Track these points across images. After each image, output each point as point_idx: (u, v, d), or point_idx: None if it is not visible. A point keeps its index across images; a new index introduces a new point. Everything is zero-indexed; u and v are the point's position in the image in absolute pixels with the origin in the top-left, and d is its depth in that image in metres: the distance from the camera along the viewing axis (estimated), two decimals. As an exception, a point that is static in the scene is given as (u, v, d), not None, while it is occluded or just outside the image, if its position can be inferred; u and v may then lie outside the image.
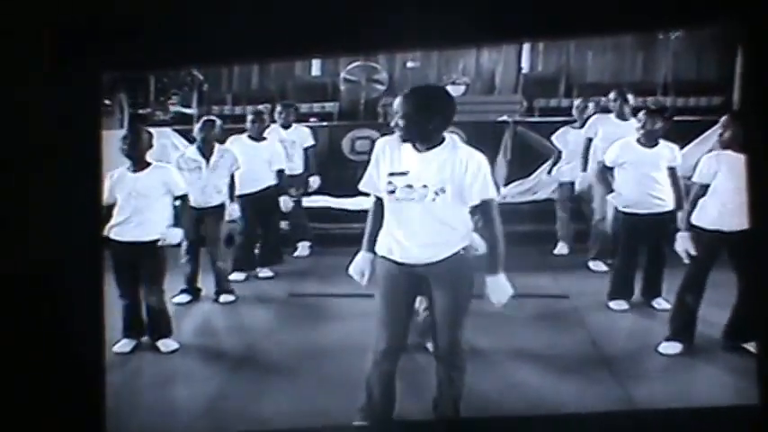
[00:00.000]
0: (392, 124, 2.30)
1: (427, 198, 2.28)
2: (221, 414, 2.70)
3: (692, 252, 3.12)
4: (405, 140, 2.31)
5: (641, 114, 3.69)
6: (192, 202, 3.92)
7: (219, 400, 2.81)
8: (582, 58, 7.15)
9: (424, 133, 2.27)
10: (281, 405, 2.72)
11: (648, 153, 3.64)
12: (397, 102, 2.27)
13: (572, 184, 4.77)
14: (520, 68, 7.25)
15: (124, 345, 3.30)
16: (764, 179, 1.53)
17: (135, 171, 3.28)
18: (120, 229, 3.25)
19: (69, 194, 1.60)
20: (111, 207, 3.26)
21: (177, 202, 3.42)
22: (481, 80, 7.33)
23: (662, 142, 3.66)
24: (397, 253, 2.34)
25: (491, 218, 2.33)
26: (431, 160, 2.29)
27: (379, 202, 2.41)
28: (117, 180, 3.26)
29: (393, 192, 2.31)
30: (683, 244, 3.14)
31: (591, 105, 4.90)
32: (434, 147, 2.30)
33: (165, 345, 3.31)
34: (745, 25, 1.44)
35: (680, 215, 3.38)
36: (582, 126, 4.75)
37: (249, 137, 4.45)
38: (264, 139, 4.51)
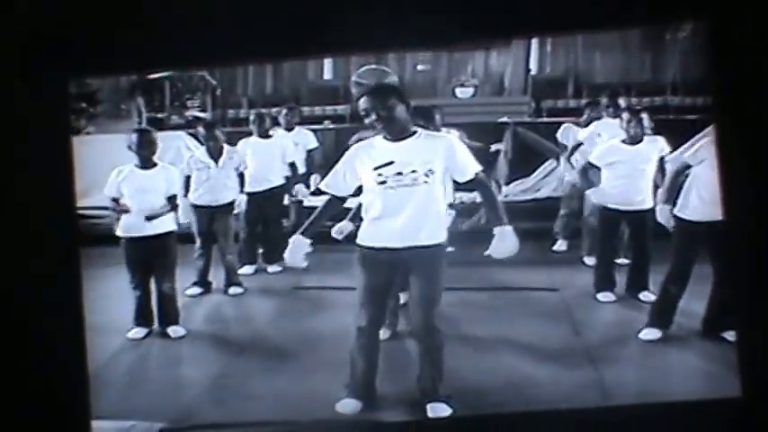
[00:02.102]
0: (367, 123, 2.55)
1: (419, 180, 2.55)
2: (228, 391, 3.02)
3: (672, 223, 3.30)
4: (385, 135, 2.57)
5: (624, 115, 3.94)
6: (203, 201, 4.35)
7: (225, 378, 3.14)
8: (590, 59, 7.38)
9: (398, 123, 2.54)
10: (282, 384, 3.03)
11: (635, 150, 3.89)
12: (363, 103, 2.54)
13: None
14: (528, 70, 7.50)
15: (137, 332, 3.64)
16: (736, 177, 1.59)
17: (143, 169, 3.64)
18: (131, 225, 3.61)
19: (40, 205, 1.60)
20: (116, 200, 3.61)
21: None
22: (490, 82, 7.62)
23: (646, 138, 3.92)
24: (384, 239, 2.60)
25: (487, 183, 2.69)
26: (411, 147, 2.56)
27: (335, 201, 2.67)
28: (126, 177, 3.62)
29: (384, 182, 2.56)
30: (663, 215, 3.33)
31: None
32: (408, 137, 2.58)
33: (175, 331, 3.67)
34: (711, 25, 1.49)
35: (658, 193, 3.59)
36: (586, 125, 4.96)
37: (258, 136, 4.83)
38: (270, 136, 4.87)
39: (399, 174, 2.55)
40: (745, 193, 1.50)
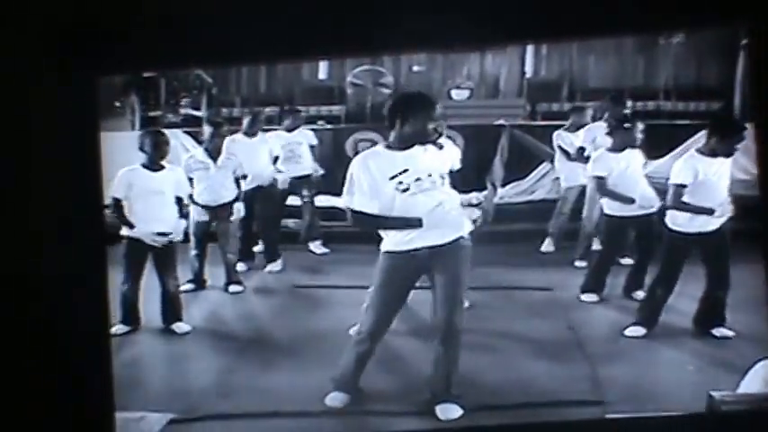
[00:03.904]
0: (432, 129, 2.72)
1: (437, 183, 2.73)
2: (232, 385, 3.18)
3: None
4: (391, 144, 2.74)
5: (626, 125, 4.09)
6: (202, 200, 4.43)
7: (229, 373, 3.30)
8: (584, 63, 7.56)
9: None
10: (282, 378, 3.18)
11: (621, 157, 4.04)
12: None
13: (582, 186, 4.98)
14: (523, 73, 7.67)
15: (120, 329, 3.69)
16: None
17: (153, 170, 3.76)
18: (142, 226, 3.71)
19: (69, 198, 1.67)
20: (118, 201, 3.69)
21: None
22: (485, 84, 7.76)
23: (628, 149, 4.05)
24: (412, 241, 2.72)
25: None
26: (418, 155, 2.73)
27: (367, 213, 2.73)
28: (133, 178, 3.72)
29: (407, 189, 2.70)
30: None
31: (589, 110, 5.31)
32: (413, 145, 2.74)
33: (180, 327, 3.80)
34: (751, 26, 1.59)
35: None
36: (576, 129, 5.13)
37: (243, 134, 4.92)
38: (256, 135, 4.96)
39: (419, 179, 2.70)
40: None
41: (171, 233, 3.78)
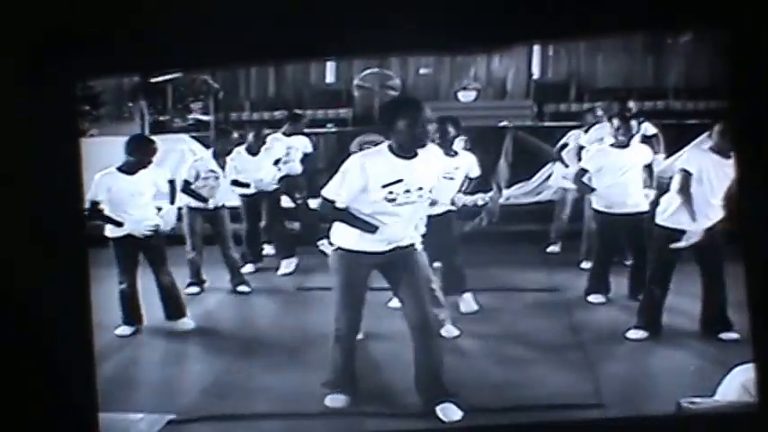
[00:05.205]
0: (423, 132, 2.70)
1: (423, 197, 2.73)
2: (232, 385, 3.19)
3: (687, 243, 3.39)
4: (395, 150, 2.68)
5: (614, 121, 4.07)
6: (204, 204, 4.46)
7: (230, 374, 3.32)
8: (592, 64, 7.53)
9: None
10: (284, 380, 3.18)
11: (620, 153, 3.99)
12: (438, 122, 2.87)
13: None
14: (531, 74, 7.66)
15: (124, 330, 3.75)
16: (750, 182, 1.58)
17: (130, 174, 3.72)
18: (127, 226, 3.71)
19: (48, 207, 1.66)
20: (96, 204, 3.64)
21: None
22: (492, 86, 7.76)
23: (633, 143, 4.05)
24: (372, 244, 2.74)
25: None
26: (417, 166, 2.70)
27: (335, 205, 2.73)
28: (111, 181, 3.68)
29: (394, 200, 2.68)
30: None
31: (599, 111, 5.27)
32: (416, 155, 2.71)
33: (184, 323, 3.82)
34: (727, 31, 1.55)
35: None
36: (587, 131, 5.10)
37: (246, 150, 4.92)
38: (258, 153, 4.96)
39: (407, 191, 2.69)
40: (761, 196, 1.55)
41: (158, 224, 3.80)
